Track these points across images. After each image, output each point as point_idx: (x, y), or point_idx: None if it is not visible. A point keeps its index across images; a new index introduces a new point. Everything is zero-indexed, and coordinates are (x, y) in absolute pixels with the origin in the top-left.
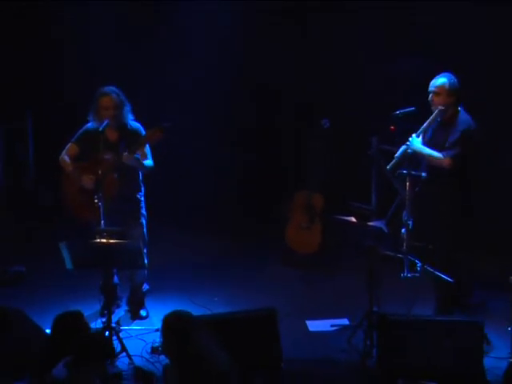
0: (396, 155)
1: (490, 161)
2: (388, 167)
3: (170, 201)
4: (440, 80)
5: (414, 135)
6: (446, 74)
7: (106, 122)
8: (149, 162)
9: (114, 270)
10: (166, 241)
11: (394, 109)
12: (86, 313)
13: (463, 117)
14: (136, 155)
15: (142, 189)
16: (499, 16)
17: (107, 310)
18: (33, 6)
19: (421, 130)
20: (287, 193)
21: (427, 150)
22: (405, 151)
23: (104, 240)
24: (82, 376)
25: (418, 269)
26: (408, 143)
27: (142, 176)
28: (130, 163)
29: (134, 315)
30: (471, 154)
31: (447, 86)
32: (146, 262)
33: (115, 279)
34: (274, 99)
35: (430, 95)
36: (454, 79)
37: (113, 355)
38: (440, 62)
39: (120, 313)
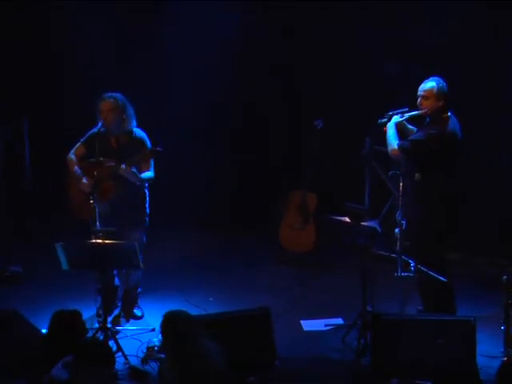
0: (383, 119)
1: (490, 161)
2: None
3: (166, 200)
4: (429, 84)
5: (399, 115)
6: (434, 78)
7: (99, 124)
8: (148, 174)
9: (115, 272)
10: (162, 240)
11: (387, 109)
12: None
13: (451, 123)
14: (133, 169)
15: (147, 197)
16: (499, 18)
17: (103, 311)
18: (32, 6)
19: (407, 115)
20: (282, 192)
21: (390, 133)
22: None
23: (99, 240)
24: (82, 377)
25: (412, 268)
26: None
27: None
28: (126, 176)
29: (127, 316)
30: (437, 156)
31: (435, 90)
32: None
33: (116, 281)
34: (269, 100)
35: (419, 99)
36: (442, 83)
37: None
38: (434, 64)
39: (116, 313)
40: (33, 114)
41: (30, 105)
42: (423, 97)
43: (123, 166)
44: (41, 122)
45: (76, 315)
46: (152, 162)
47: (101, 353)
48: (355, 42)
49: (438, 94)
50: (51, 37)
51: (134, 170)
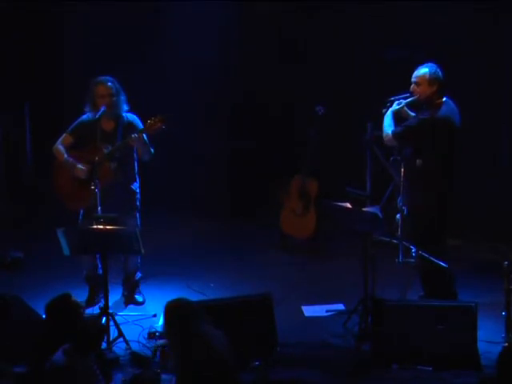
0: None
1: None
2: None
3: (167, 186)
4: (421, 70)
5: (397, 102)
6: (428, 64)
7: (102, 109)
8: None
9: (98, 261)
10: (163, 226)
11: (389, 95)
12: (83, 298)
13: (444, 108)
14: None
15: (138, 180)
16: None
17: (96, 299)
18: None
19: (404, 102)
20: (283, 178)
21: (386, 120)
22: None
23: (101, 226)
24: (81, 362)
25: (413, 254)
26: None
27: (138, 167)
28: (139, 146)
29: (128, 300)
30: (430, 141)
31: (427, 76)
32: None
33: (99, 270)
34: (270, 86)
35: (412, 85)
36: (436, 69)
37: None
38: (438, 51)
39: (116, 298)
40: (32, 104)
41: (30, 95)
42: (416, 83)
43: (135, 135)
44: (40, 113)
45: (66, 298)
46: (146, 139)
47: (96, 333)
48: (352, 28)
49: (430, 80)
50: (51, 26)
51: (145, 138)
